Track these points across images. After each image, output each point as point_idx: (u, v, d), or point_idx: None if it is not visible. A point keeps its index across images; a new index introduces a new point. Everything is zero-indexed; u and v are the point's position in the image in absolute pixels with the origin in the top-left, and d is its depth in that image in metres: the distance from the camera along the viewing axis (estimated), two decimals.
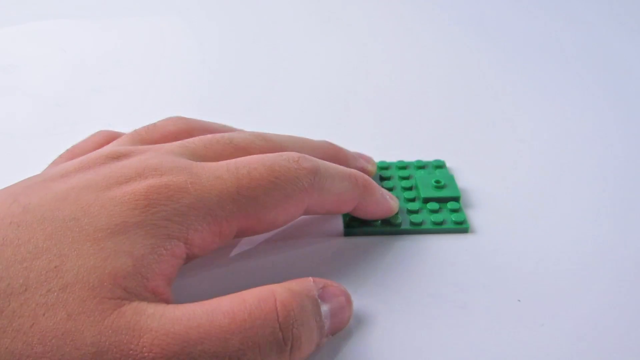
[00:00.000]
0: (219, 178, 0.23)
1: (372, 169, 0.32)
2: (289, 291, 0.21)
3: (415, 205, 0.31)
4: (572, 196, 0.32)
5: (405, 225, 0.30)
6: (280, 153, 0.25)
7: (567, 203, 0.32)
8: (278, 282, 0.24)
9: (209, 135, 0.26)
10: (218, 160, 0.25)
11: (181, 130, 0.28)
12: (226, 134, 0.27)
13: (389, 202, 0.29)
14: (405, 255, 0.28)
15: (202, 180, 0.23)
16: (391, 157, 0.34)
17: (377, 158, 0.34)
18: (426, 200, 0.31)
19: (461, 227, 0.30)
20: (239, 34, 0.51)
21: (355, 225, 0.29)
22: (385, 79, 0.45)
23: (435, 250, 0.29)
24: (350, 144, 0.32)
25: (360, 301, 0.26)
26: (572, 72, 0.45)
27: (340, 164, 0.28)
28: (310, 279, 0.23)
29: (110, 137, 0.29)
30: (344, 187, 0.26)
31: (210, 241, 0.23)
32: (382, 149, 0.35)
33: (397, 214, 0.30)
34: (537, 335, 0.24)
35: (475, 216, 0.31)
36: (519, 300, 0.26)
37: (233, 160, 0.24)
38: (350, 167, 0.29)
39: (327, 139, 0.31)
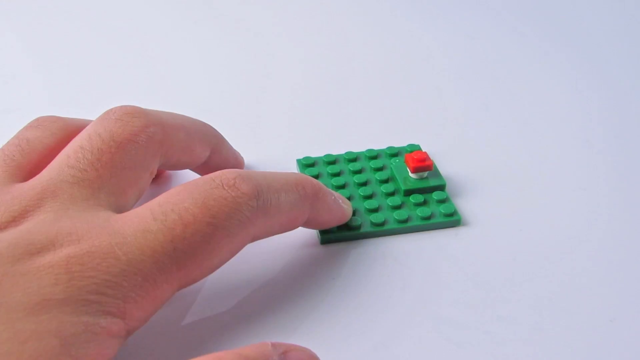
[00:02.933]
0: (146, 232, 0.19)
1: (242, 161, 0.29)
2: (240, 358, 0.18)
3: (397, 199, 0.27)
4: (562, 177, 0.30)
5: (390, 224, 0.26)
6: (211, 178, 0.21)
7: (559, 184, 0.29)
8: (253, 306, 0.23)
9: (85, 143, 0.22)
10: (114, 167, 0.22)
11: (60, 140, 0.24)
12: (100, 130, 0.23)
13: (342, 206, 0.25)
14: (393, 259, 0.25)
15: (129, 239, 0.19)
16: (358, 146, 0.30)
17: (344, 148, 0.30)
18: (408, 193, 0.27)
19: (452, 219, 0.26)
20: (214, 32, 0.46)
21: (332, 230, 0.26)
22: (344, 58, 0.41)
23: (427, 248, 0.25)
24: (314, 135, 0.28)
25: (346, 317, 0.23)
26: (554, 50, 0.42)
27: (219, 143, 0.27)
28: (269, 343, 0.19)
29: None
30: (291, 202, 0.22)
31: (152, 310, 0.19)
32: (348, 138, 0.32)
33: (379, 211, 0.26)
34: (543, 337, 0.22)
35: (464, 206, 0.27)
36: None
37: (156, 201, 0.21)
38: (226, 148, 0.28)
39: (292, 129, 0.27)
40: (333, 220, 0.25)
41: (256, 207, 0.21)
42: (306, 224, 0.24)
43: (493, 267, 0.24)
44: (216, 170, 0.23)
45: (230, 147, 0.29)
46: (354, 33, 0.45)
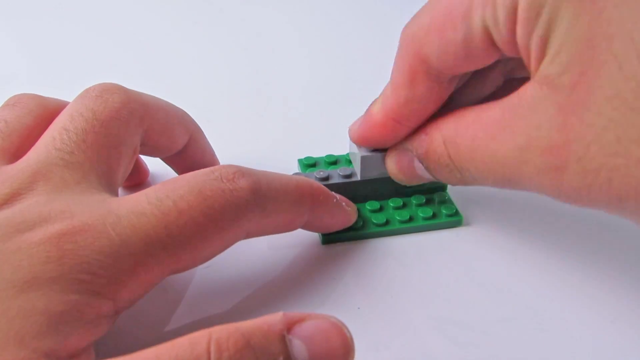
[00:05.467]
0: (141, 215, 0.19)
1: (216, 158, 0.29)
2: (232, 329, 0.17)
3: (399, 200, 0.27)
4: None
5: (392, 225, 0.26)
6: (211, 170, 0.21)
7: None
8: (254, 306, 0.23)
9: (69, 124, 0.22)
10: (100, 147, 0.22)
11: (39, 118, 0.23)
12: (82, 110, 0.22)
13: (345, 210, 0.25)
14: (394, 259, 0.25)
15: (122, 221, 0.19)
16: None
17: (345, 148, 0.30)
18: (409, 194, 0.27)
19: (454, 219, 0.26)
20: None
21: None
22: (346, 58, 0.41)
23: (429, 248, 0.25)
24: (316, 135, 0.28)
25: (348, 317, 0.21)
26: None
27: (196, 132, 0.26)
28: (281, 313, 0.18)
29: None
30: (289, 203, 0.22)
31: (141, 292, 0.19)
32: (340, 139, 0.32)
33: (381, 212, 0.26)
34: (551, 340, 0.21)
35: (465, 206, 0.27)
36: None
37: (152, 187, 0.20)
38: (203, 139, 0.27)
39: (294, 129, 0.27)
40: (336, 224, 0.25)
41: (253, 203, 0.21)
42: (307, 227, 0.24)
43: (494, 267, 0.24)
44: (193, 162, 0.24)
45: (207, 141, 0.28)
46: (356, 32, 0.44)
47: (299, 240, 0.26)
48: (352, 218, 0.25)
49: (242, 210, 0.21)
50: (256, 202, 0.21)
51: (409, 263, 0.25)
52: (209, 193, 0.20)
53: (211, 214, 0.20)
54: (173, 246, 0.19)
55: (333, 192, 0.25)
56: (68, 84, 0.39)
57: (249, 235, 0.22)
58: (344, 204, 0.25)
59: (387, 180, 0.26)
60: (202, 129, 0.27)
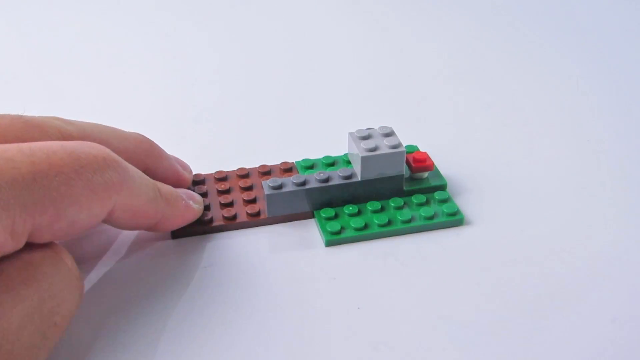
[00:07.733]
0: (10, 160, 0.19)
1: (188, 177, 0.28)
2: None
3: (399, 199, 0.27)
4: (563, 176, 0.30)
5: (394, 225, 0.26)
6: (86, 142, 0.22)
7: (560, 184, 0.29)
8: (253, 306, 0.23)
9: None
10: (5, 140, 0.21)
11: None
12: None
13: (193, 207, 0.26)
14: (395, 258, 0.25)
15: None
16: None
17: (342, 149, 0.30)
18: (409, 193, 0.27)
19: (455, 218, 0.26)
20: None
21: (339, 231, 0.25)
22: (344, 60, 0.41)
23: (429, 248, 0.25)
24: (313, 137, 0.28)
25: (347, 317, 0.22)
26: (555, 49, 0.42)
27: (154, 162, 0.26)
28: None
29: None
30: (151, 195, 0.23)
31: (2, 241, 0.18)
32: (346, 139, 0.31)
33: (382, 212, 0.26)
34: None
35: (464, 206, 0.27)
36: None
37: (27, 143, 0.20)
38: (164, 167, 0.27)
39: (291, 131, 0.27)
40: (184, 223, 0.26)
41: (122, 179, 0.21)
42: (157, 227, 0.25)
43: (494, 266, 0.24)
44: None
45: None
46: (353, 33, 0.45)
47: (299, 240, 0.26)
48: (198, 213, 0.26)
49: (111, 180, 0.21)
50: (125, 179, 0.21)
51: (409, 263, 0.25)
52: (83, 156, 0.20)
53: (82, 173, 0.20)
54: (38, 193, 0.19)
55: (181, 195, 0.25)
56: None
57: (114, 211, 0.22)
58: (191, 202, 0.26)
59: (387, 180, 0.26)
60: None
